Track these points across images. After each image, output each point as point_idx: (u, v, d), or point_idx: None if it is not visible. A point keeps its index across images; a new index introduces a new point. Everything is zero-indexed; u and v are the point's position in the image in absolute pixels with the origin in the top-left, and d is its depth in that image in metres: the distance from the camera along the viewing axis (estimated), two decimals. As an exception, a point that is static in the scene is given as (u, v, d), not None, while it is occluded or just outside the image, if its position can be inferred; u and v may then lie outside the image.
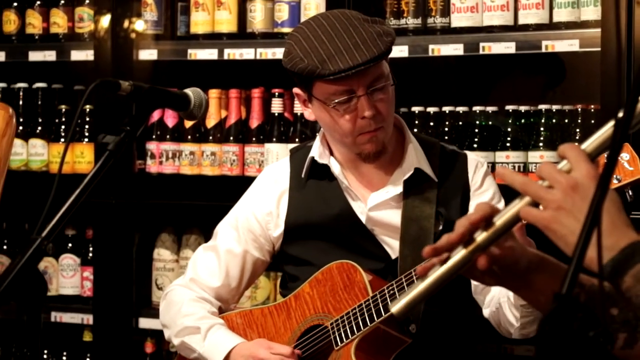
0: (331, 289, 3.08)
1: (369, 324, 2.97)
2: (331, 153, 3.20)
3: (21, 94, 4.55)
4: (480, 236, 1.86)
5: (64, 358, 4.55)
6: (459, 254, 1.87)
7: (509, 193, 3.18)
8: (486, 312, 3.13)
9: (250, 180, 3.48)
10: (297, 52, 3.03)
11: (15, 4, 4.54)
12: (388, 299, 2.95)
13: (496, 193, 3.23)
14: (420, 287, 1.88)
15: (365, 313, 2.98)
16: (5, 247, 4.60)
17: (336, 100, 3.02)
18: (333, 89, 3.01)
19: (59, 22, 4.46)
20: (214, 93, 4.14)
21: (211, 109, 4.12)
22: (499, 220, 1.86)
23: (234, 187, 3.94)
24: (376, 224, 3.15)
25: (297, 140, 4.06)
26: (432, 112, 4.00)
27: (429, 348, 3.10)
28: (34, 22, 4.50)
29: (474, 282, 3.05)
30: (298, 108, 4.08)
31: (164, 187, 4.31)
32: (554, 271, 1.95)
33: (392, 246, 3.13)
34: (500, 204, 3.18)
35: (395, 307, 1.88)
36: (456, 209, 3.16)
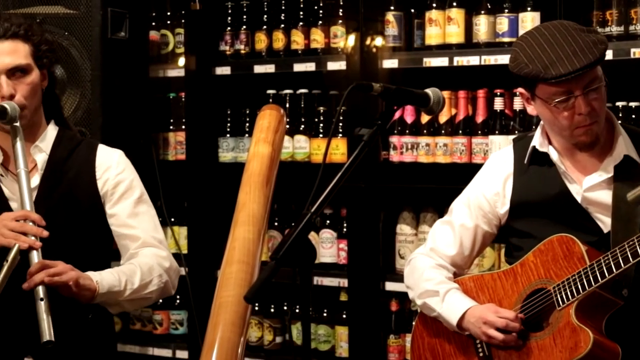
0: (552, 258, 2.99)
1: (587, 288, 2.87)
2: (550, 142, 3.10)
3: (287, 98, 4.59)
4: None
5: (325, 314, 4.56)
6: None
7: None
8: None
9: (476, 167, 3.42)
10: (522, 58, 2.95)
11: (282, 25, 4.58)
12: (604, 267, 2.85)
13: None
14: None
15: (584, 279, 2.88)
16: (276, 223, 4.64)
17: (557, 100, 2.93)
18: (554, 90, 2.92)
19: (318, 38, 4.48)
20: (445, 94, 4.05)
21: (443, 108, 4.09)
22: None
23: (462, 172, 3.88)
24: (590, 203, 3.03)
25: (516, 132, 3.98)
26: (633, 106, 3.86)
27: (637, 309, 2.97)
28: (298, 40, 4.52)
29: None
30: (517, 105, 4.00)
31: (404, 173, 4.28)
32: None
33: (604, 222, 3.01)
34: None
35: None
36: None
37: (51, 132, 3.13)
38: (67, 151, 3.11)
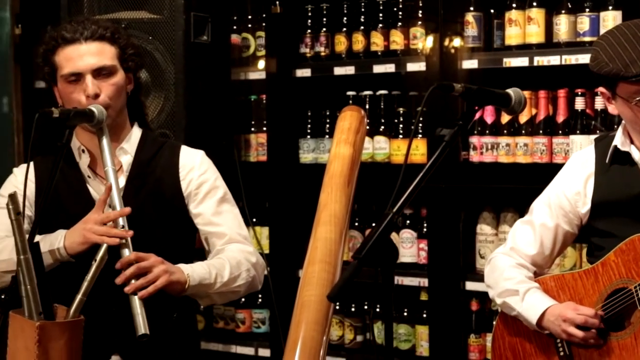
0: (634, 257, 2.97)
1: (669, 287, 2.86)
2: (631, 142, 3.09)
3: (367, 99, 4.62)
4: None
5: (405, 314, 4.59)
6: None
7: None
8: None
9: (557, 167, 3.41)
10: (602, 57, 2.94)
11: (361, 27, 4.61)
12: None
13: None
14: None
15: (665, 278, 2.87)
16: (356, 224, 4.67)
17: (637, 98, 2.92)
18: (634, 88, 2.91)
19: (397, 40, 4.50)
20: (525, 94, 4.02)
21: (523, 108, 4.08)
22: None
23: (543, 172, 3.87)
24: (672, 202, 3.02)
25: (597, 132, 3.95)
26: None
27: None
28: (377, 42, 4.55)
29: None
30: (598, 104, 3.98)
31: (484, 174, 4.28)
32: None
33: (687, 221, 3.00)
34: None
35: None
36: None
37: (136, 133, 3.20)
38: (152, 153, 3.19)
